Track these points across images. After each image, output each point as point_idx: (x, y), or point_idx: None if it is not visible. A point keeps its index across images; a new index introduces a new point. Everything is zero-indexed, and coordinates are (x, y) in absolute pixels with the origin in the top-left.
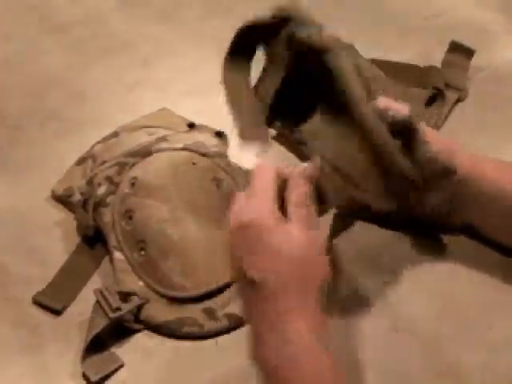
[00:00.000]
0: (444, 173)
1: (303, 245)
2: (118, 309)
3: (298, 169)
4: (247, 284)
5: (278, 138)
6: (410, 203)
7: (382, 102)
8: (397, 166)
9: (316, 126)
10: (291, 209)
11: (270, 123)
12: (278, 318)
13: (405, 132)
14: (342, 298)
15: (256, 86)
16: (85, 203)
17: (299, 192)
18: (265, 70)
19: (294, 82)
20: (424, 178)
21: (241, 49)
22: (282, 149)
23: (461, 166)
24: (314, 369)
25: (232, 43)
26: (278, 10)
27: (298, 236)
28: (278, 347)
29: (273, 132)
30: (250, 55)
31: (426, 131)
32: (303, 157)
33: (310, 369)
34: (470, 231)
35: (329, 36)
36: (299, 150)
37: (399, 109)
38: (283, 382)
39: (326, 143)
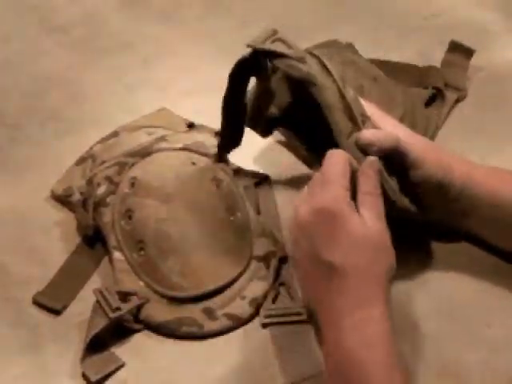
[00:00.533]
0: (440, 189)
1: (378, 233)
2: (118, 309)
3: (367, 161)
4: (323, 268)
5: (279, 139)
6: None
7: (366, 134)
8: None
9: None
10: (363, 197)
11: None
12: (359, 303)
13: (395, 157)
14: None
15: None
16: (84, 203)
17: (370, 181)
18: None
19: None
20: (421, 197)
21: (236, 87)
22: (282, 149)
23: (456, 180)
24: (388, 353)
25: (228, 86)
26: (254, 43)
27: (373, 225)
28: (355, 331)
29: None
30: (243, 89)
31: (418, 151)
32: (303, 157)
33: (384, 352)
34: (469, 236)
35: (310, 64)
36: (299, 150)
37: (385, 137)
38: (358, 364)
39: None
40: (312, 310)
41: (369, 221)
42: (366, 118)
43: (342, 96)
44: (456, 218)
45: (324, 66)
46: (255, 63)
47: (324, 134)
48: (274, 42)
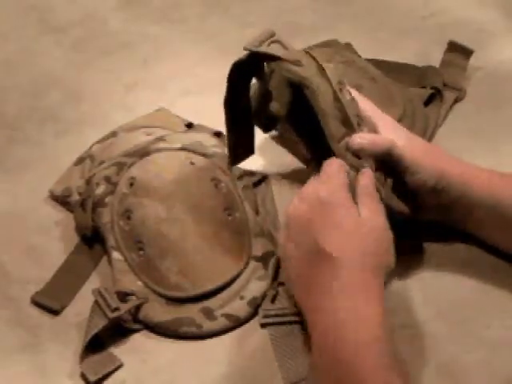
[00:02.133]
0: (435, 194)
1: (380, 229)
2: (117, 309)
3: (362, 171)
4: (319, 257)
5: (278, 139)
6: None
7: (357, 139)
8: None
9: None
10: (362, 197)
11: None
12: (353, 293)
13: (388, 162)
14: None
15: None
16: (83, 203)
17: (367, 185)
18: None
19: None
20: (418, 200)
21: (235, 88)
22: (281, 149)
23: (452, 186)
24: (381, 352)
25: (227, 87)
26: (250, 46)
27: (375, 220)
28: (344, 327)
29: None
30: (245, 89)
31: (413, 157)
32: (303, 157)
33: (377, 351)
34: (468, 236)
35: (306, 66)
36: (299, 149)
37: (378, 141)
38: (347, 364)
39: None
40: (299, 305)
41: (372, 217)
42: (361, 120)
43: (337, 99)
44: (455, 219)
45: (321, 68)
46: (252, 65)
47: (322, 132)
48: (270, 44)
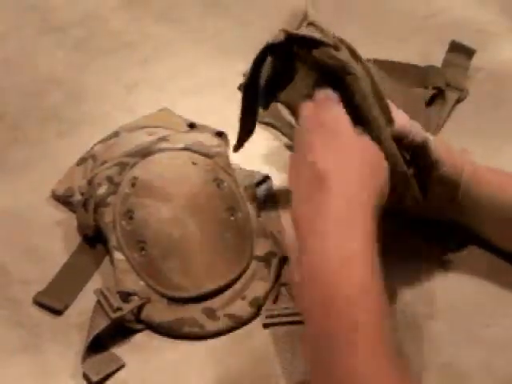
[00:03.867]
0: (448, 189)
1: (378, 157)
2: (119, 309)
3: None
4: (315, 179)
5: (280, 138)
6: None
7: (400, 126)
8: (410, 190)
9: None
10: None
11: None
12: (348, 212)
13: (420, 155)
14: None
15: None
16: (85, 203)
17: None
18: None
19: None
20: (428, 197)
21: (258, 71)
22: (283, 149)
23: (463, 181)
24: (365, 271)
25: (251, 70)
26: (290, 30)
27: (374, 147)
28: (343, 242)
29: (272, 132)
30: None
31: (438, 153)
32: None
33: (361, 271)
34: (470, 235)
35: (344, 52)
36: None
37: (416, 132)
38: (332, 274)
39: None
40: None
41: (371, 143)
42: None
43: (374, 84)
44: (457, 216)
45: (353, 53)
46: (285, 49)
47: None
48: (306, 26)
